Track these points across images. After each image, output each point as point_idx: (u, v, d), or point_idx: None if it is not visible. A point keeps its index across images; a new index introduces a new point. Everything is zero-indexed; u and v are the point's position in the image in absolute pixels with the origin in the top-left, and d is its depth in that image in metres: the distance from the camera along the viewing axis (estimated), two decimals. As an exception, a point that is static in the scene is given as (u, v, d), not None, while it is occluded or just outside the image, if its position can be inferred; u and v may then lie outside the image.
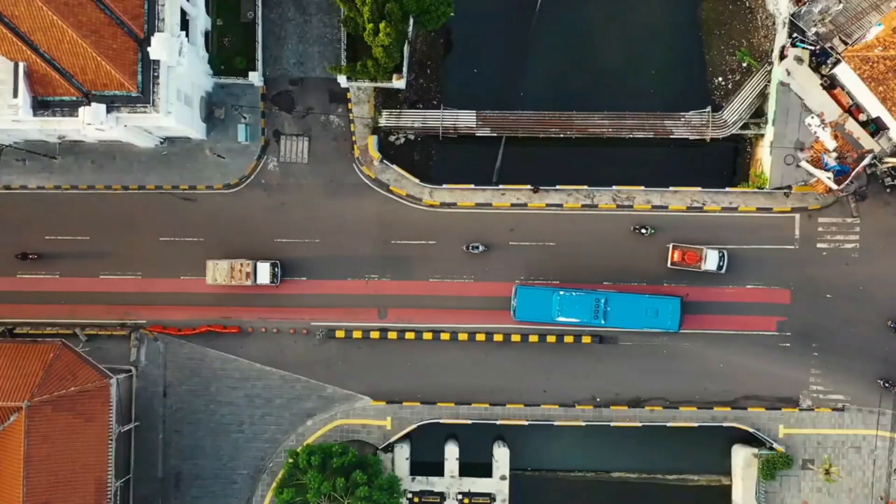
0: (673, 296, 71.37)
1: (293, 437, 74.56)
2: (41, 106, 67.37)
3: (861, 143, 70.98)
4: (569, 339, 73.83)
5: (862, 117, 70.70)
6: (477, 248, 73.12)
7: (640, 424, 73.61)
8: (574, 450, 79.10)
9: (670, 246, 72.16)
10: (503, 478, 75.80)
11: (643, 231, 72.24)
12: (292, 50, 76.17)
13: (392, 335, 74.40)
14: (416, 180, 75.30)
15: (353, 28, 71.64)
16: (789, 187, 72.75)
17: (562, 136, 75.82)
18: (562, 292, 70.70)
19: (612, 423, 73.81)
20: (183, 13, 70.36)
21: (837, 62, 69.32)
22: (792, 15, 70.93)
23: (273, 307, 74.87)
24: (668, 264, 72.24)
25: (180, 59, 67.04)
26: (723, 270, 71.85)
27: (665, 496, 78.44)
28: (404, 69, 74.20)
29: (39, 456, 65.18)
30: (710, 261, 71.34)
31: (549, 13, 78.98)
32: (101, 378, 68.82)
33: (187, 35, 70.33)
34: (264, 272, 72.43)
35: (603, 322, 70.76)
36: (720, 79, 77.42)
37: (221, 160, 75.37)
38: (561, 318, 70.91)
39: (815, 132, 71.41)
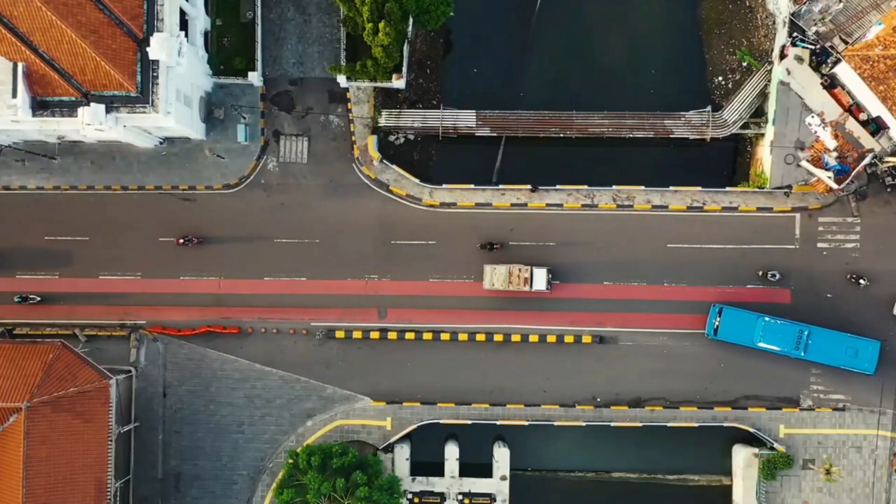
0: (874, 339, 70.76)
1: (293, 437, 74.52)
2: (40, 106, 67.31)
3: (861, 143, 70.93)
4: (569, 338, 73.80)
5: (862, 116, 70.66)
6: (492, 247, 72.70)
7: (640, 424, 73.56)
8: (574, 450, 79.03)
9: None
10: (503, 478, 75.75)
11: (861, 281, 71.69)
12: (292, 50, 76.12)
13: (392, 335, 74.34)
14: (416, 180, 75.25)
15: (353, 28, 71.59)
16: (790, 187, 72.69)
17: (562, 135, 75.77)
18: (767, 318, 70.23)
19: (613, 424, 73.75)
20: (182, 13, 70.32)
21: (838, 61, 69.29)
22: (792, 14, 70.90)
23: (273, 307, 74.81)
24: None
25: (180, 59, 66.96)
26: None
27: (665, 496, 78.37)
28: (404, 69, 74.14)
29: (39, 456, 65.11)
30: None
31: (549, 13, 78.96)
32: (100, 379, 68.77)
33: (186, 35, 70.30)
34: (541, 278, 71.25)
35: (802, 354, 70.38)
36: (720, 78, 77.36)
37: (221, 160, 75.33)
38: (761, 344, 70.47)
39: (816, 131, 71.36)
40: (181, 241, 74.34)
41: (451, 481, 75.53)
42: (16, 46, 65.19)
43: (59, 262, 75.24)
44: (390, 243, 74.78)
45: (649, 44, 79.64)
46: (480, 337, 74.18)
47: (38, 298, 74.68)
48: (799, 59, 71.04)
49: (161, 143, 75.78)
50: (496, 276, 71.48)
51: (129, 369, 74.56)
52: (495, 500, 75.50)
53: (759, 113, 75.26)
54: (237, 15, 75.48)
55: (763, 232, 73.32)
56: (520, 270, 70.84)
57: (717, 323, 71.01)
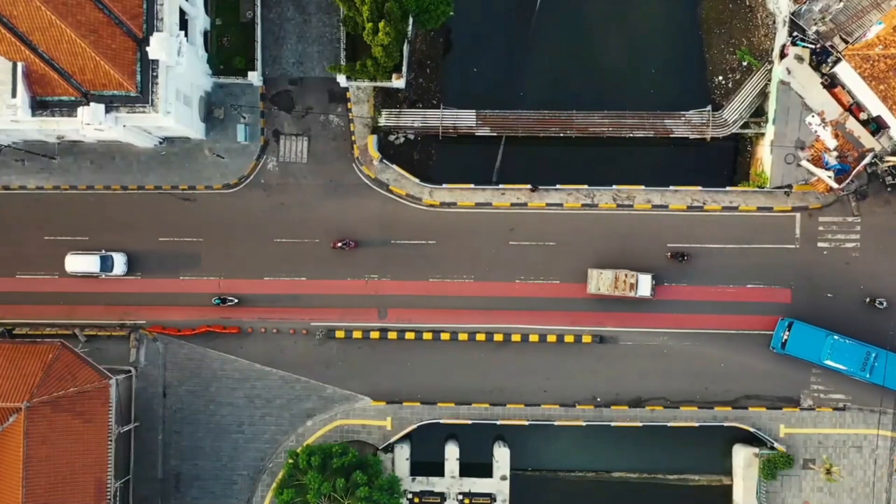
0: None
1: (293, 437, 74.48)
2: (40, 106, 67.26)
3: (862, 142, 70.90)
4: (569, 338, 73.76)
5: (862, 116, 70.62)
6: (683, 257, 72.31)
7: (640, 424, 73.52)
8: (575, 450, 79.01)
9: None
10: (504, 478, 75.71)
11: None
12: (291, 49, 76.08)
13: (392, 335, 74.30)
14: (416, 180, 75.21)
15: (353, 27, 71.55)
16: (790, 186, 72.65)
17: (562, 135, 75.73)
18: (836, 337, 70.00)
19: (613, 423, 73.71)
20: (182, 13, 70.27)
21: (838, 61, 69.25)
22: (792, 13, 70.87)
23: (273, 307, 74.77)
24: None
25: (179, 58, 66.92)
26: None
27: (666, 496, 78.34)
28: (404, 69, 74.11)
29: (39, 457, 65.06)
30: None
31: (549, 12, 78.92)
32: (100, 379, 68.71)
33: (186, 35, 70.26)
34: (646, 284, 71.10)
35: (868, 376, 70.20)
36: (720, 78, 77.32)
37: (221, 160, 75.28)
38: (828, 362, 70.21)
39: (816, 131, 71.32)
40: (339, 244, 73.61)
41: (451, 481, 75.50)
42: (15, 46, 65.14)
43: (60, 262, 75.15)
44: (390, 243, 74.73)
45: (649, 43, 79.61)
46: (480, 337, 74.14)
47: (236, 300, 74.11)
48: (799, 58, 71.00)
49: (161, 142, 75.73)
50: (602, 281, 71.09)
51: (129, 369, 74.51)
52: (495, 500, 75.47)
53: (759, 112, 75.22)
54: (237, 14, 75.43)
55: (763, 231, 73.30)
56: (626, 276, 70.55)
57: (785, 337, 70.64)
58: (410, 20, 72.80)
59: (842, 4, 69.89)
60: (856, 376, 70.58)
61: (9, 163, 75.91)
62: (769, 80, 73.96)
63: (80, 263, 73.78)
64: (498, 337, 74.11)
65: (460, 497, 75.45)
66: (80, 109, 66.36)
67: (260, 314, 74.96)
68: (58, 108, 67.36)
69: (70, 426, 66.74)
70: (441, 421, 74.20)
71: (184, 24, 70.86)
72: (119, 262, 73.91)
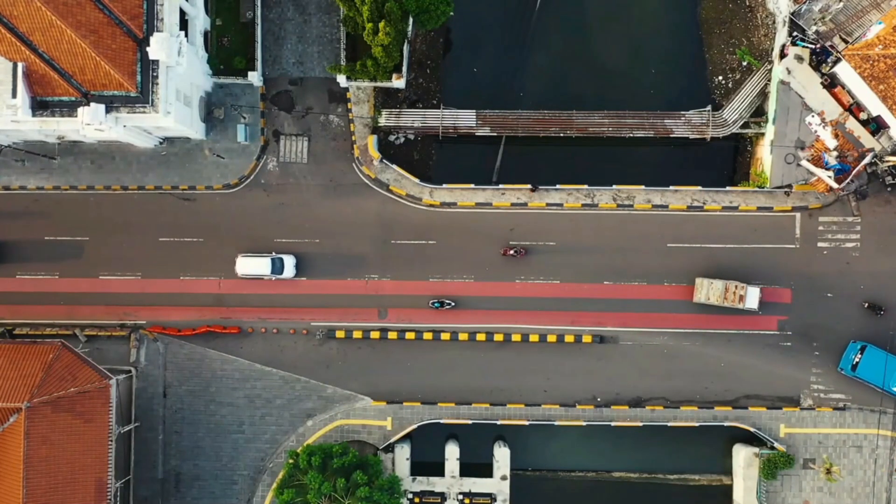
0: None
1: (293, 437, 74.50)
2: (40, 106, 67.30)
3: (862, 142, 70.91)
4: (569, 338, 73.77)
5: (862, 116, 70.64)
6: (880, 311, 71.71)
7: (640, 424, 73.53)
8: (575, 450, 79.03)
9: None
10: (504, 478, 75.73)
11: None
12: (291, 50, 76.10)
13: (392, 335, 74.32)
14: (416, 180, 75.23)
15: (353, 27, 71.55)
16: (790, 186, 72.66)
17: (562, 135, 75.75)
18: None
19: (613, 423, 73.73)
20: (182, 13, 70.29)
21: (838, 61, 69.25)
22: (792, 13, 70.88)
23: (273, 307, 74.79)
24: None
25: (179, 59, 66.92)
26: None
27: (666, 496, 78.37)
28: (404, 69, 74.12)
29: (39, 457, 65.10)
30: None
31: (549, 12, 78.91)
32: (100, 379, 68.73)
33: (186, 35, 70.30)
34: (754, 297, 70.78)
35: None
36: (720, 77, 77.34)
37: (221, 160, 75.29)
38: None
39: (816, 131, 71.32)
40: (510, 251, 73.24)
41: (451, 481, 75.52)
42: (15, 46, 65.18)
43: (59, 262, 75.17)
44: (390, 243, 74.74)
45: (649, 43, 79.61)
46: (480, 336, 74.17)
47: (453, 304, 73.54)
48: (799, 58, 71.01)
49: (161, 143, 75.75)
50: (712, 291, 70.92)
51: (130, 369, 74.56)
52: (496, 500, 75.49)
53: (759, 112, 75.25)
54: (237, 15, 75.44)
55: (763, 231, 73.30)
56: (736, 287, 70.41)
57: (856, 359, 70.47)
58: (410, 20, 72.81)
59: (841, 4, 69.90)
60: None
61: (9, 163, 75.95)
62: (769, 80, 73.98)
63: (251, 266, 73.20)
64: (498, 337, 74.13)
65: (460, 497, 75.48)
66: (80, 110, 66.37)
67: (260, 314, 74.98)
68: (58, 108, 67.40)
69: (70, 426, 66.76)
70: (441, 421, 74.22)
71: (184, 25, 70.89)
72: (289, 264, 73.31)
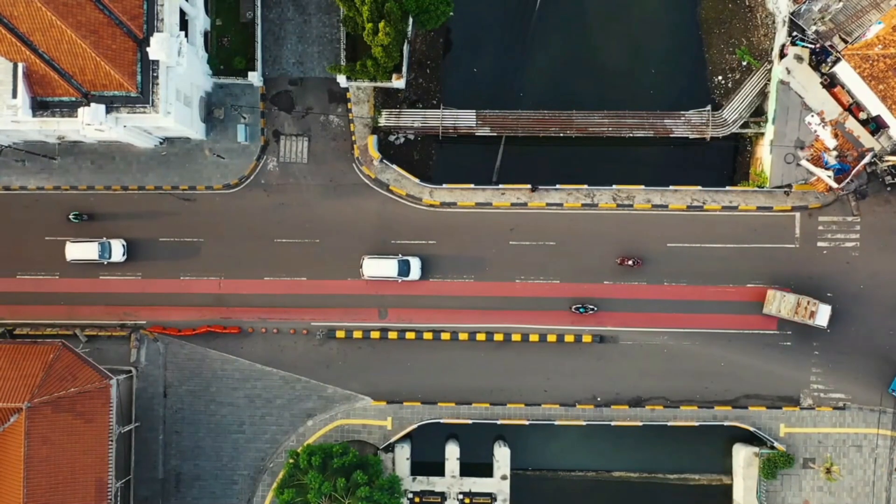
0: None
1: (294, 437, 74.53)
2: (40, 106, 67.33)
3: (861, 142, 70.94)
4: (569, 338, 73.81)
5: (862, 115, 70.68)
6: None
7: (640, 424, 73.57)
8: (575, 449, 79.08)
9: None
10: (504, 477, 75.76)
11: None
12: (291, 50, 76.13)
13: (392, 335, 74.35)
14: (416, 180, 75.26)
15: (353, 28, 71.58)
16: (789, 186, 72.69)
17: (561, 135, 75.78)
18: None
19: (613, 423, 73.76)
20: (182, 13, 70.32)
21: (837, 60, 69.29)
22: (792, 13, 70.92)
23: (273, 307, 74.82)
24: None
25: (179, 59, 66.96)
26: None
27: (666, 495, 78.43)
28: (404, 69, 74.15)
29: (39, 457, 65.13)
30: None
31: (549, 12, 78.95)
32: (101, 379, 68.76)
33: (186, 35, 70.31)
34: (825, 314, 70.75)
35: None
36: (720, 77, 77.38)
37: (221, 160, 75.32)
38: None
39: (816, 131, 71.36)
40: (628, 261, 72.89)
41: (451, 481, 75.55)
42: (16, 47, 65.20)
43: (60, 262, 75.22)
44: (390, 243, 74.75)
45: (649, 43, 79.66)
46: (480, 337, 74.20)
47: (595, 308, 72.78)
48: (799, 58, 71.05)
49: (161, 143, 75.78)
50: (784, 305, 70.90)
51: (130, 369, 74.59)
52: (496, 500, 75.53)
53: (758, 112, 75.29)
54: (237, 15, 75.46)
55: (763, 231, 73.34)
56: (808, 303, 70.59)
57: None
58: (410, 20, 72.82)
59: (841, 4, 69.93)
60: None
61: (9, 163, 75.97)
62: (769, 80, 74.02)
63: (378, 268, 73.04)
64: (498, 337, 74.16)
65: (461, 497, 75.50)
66: (80, 110, 66.41)
67: (260, 314, 75.01)
68: (58, 108, 67.44)
69: (71, 426, 66.79)
70: (441, 421, 74.25)
71: (184, 25, 70.91)
72: (415, 266, 73.14)
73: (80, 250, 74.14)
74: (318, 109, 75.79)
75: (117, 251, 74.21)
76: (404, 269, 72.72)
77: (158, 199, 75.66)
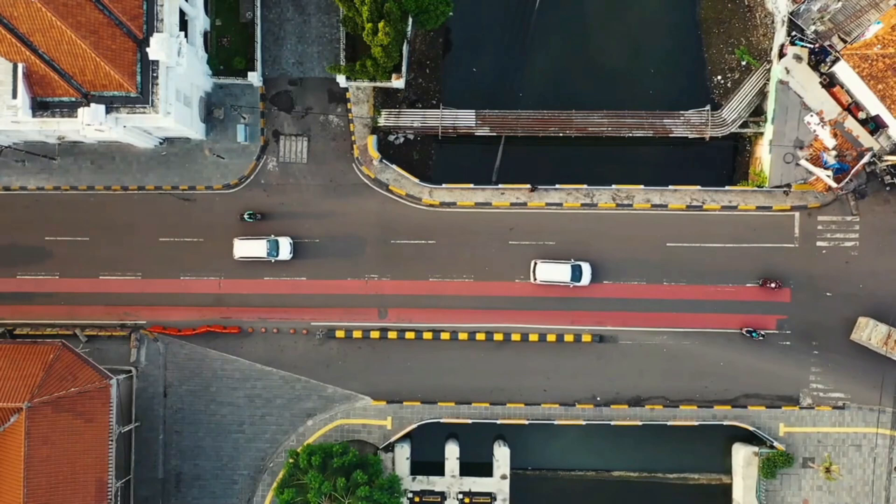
0: None
1: (294, 437, 74.58)
2: (40, 107, 67.37)
3: (860, 142, 71.01)
4: (569, 338, 73.87)
5: (861, 115, 70.74)
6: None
7: (640, 423, 73.63)
8: (575, 449, 79.13)
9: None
10: (504, 477, 75.81)
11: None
12: (291, 50, 76.18)
13: (392, 335, 74.40)
14: (416, 180, 75.32)
15: (352, 28, 71.63)
16: (789, 185, 72.76)
17: (561, 135, 75.84)
18: None
19: (613, 422, 73.82)
20: (182, 13, 70.37)
21: (836, 60, 69.35)
22: (791, 13, 70.98)
23: (273, 307, 74.86)
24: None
25: (179, 59, 67.01)
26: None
27: (666, 495, 78.48)
28: (403, 69, 74.20)
29: (40, 457, 65.16)
30: None
31: (549, 12, 79.00)
32: (101, 379, 68.81)
33: (186, 35, 70.36)
34: None
35: None
36: (719, 77, 77.44)
37: (221, 160, 75.38)
38: None
39: (815, 130, 71.43)
40: (770, 283, 72.12)
41: (451, 480, 75.60)
42: (16, 47, 65.24)
43: (59, 262, 75.27)
44: (390, 243, 74.83)
45: (649, 43, 79.71)
46: (480, 336, 74.25)
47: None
48: (798, 57, 71.12)
49: (161, 143, 75.83)
50: (875, 333, 70.44)
51: (130, 369, 74.63)
52: (496, 500, 75.57)
53: (758, 112, 75.35)
54: (237, 15, 75.52)
55: (762, 231, 73.40)
56: None
57: None
58: (410, 20, 72.87)
59: (840, 4, 69.98)
60: None
61: (9, 163, 76.02)
62: (768, 80, 74.08)
63: (551, 272, 72.62)
64: (498, 337, 74.21)
65: (460, 496, 75.55)
66: (80, 110, 66.46)
67: (260, 314, 75.06)
68: (58, 108, 67.48)
69: (71, 426, 66.83)
70: (441, 420, 74.30)
71: (184, 25, 70.96)
72: (586, 272, 72.67)
73: (248, 248, 73.62)
74: (318, 109, 75.85)
75: (285, 249, 73.56)
76: (577, 274, 72.52)
77: (158, 199, 75.64)
